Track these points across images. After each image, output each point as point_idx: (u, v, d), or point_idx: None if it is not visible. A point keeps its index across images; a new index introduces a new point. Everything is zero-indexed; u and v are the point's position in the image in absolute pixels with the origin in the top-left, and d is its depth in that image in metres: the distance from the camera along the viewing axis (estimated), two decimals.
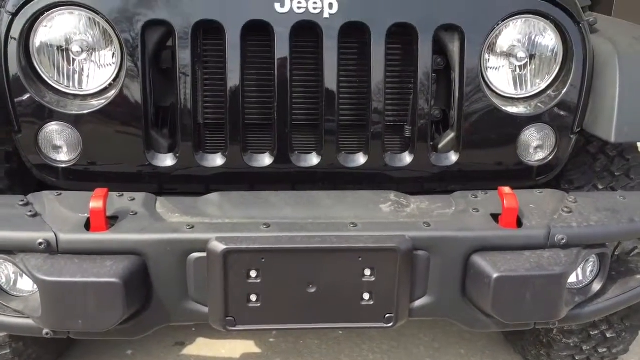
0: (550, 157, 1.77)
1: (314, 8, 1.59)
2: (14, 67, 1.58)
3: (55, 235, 1.41)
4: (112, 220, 1.47)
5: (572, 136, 1.76)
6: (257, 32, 1.61)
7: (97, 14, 1.59)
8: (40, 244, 1.40)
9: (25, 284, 1.51)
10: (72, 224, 1.44)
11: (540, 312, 1.49)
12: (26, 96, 1.60)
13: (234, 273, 1.43)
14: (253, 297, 1.46)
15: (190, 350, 2.46)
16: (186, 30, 1.58)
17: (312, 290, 1.46)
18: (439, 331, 2.61)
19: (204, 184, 1.71)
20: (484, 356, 2.48)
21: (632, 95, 1.67)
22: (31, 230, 1.42)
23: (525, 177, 1.78)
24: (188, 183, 1.71)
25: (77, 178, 1.67)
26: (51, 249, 1.40)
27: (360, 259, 1.44)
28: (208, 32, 1.63)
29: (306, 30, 1.61)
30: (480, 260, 1.47)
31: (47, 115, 1.61)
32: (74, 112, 1.61)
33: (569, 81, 1.71)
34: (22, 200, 1.51)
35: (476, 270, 1.47)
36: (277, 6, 1.59)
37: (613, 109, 1.67)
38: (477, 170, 1.76)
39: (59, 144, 1.64)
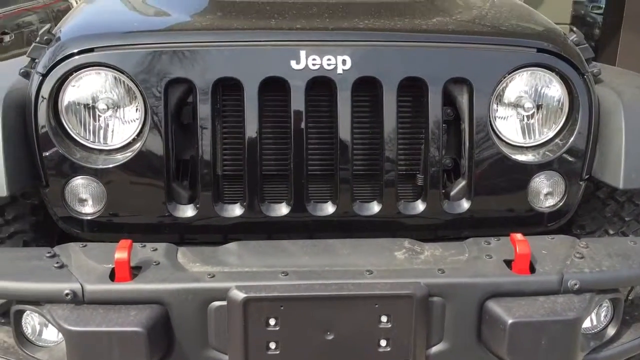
0: (561, 204, 1.80)
1: (328, 64, 1.67)
2: (43, 125, 1.66)
3: (82, 285, 1.46)
4: (135, 271, 1.51)
5: (581, 183, 1.81)
6: (274, 87, 1.69)
7: (123, 73, 1.67)
8: (67, 294, 1.44)
9: (50, 334, 1.55)
10: (97, 275, 1.49)
11: (555, 358, 1.50)
12: (54, 152, 1.67)
13: (254, 321, 1.46)
14: (272, 345, 1.49)
15: None
16: (206, 87, 1.66)
17: (330, 337, 1.49)
18: None
19: (223, 233, 1.76)
20: None
21: (638, 144, 1.72)
22: (58, 281, 1.47)
23: (536, 223, 1.81)
24: (207, 233, 1.76)
25: (101, 229, 1.73)
26: (77, 299, 1.45)
27: (376, 306, 1.47)
28: (227, 87, 1.70)
29: (321, 85, 1.69)
30: (494, 306, 1.50)
31: (74, 169, 1.68)
32: (99, 167, 1.68)
33: (576, 130, 1.76)
34: (49, 252, 1.57)
35: (491, 316, 1.50)
36: (293, 63, 1.67)
37: (620, 157, 1.72)
38: (489, 217, 1.80)
39: (85, 197, 1.71)
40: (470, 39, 1.75)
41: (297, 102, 1.67)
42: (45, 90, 1.66)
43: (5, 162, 1.59)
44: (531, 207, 1.79)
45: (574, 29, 1.93)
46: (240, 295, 1.45)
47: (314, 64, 1.67)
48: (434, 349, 1.55)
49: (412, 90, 1.73)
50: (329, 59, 1.67)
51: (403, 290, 1.47)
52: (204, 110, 1.67)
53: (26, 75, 1.78)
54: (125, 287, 1.47)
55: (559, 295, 1.52)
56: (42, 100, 1.66)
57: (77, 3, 7.05)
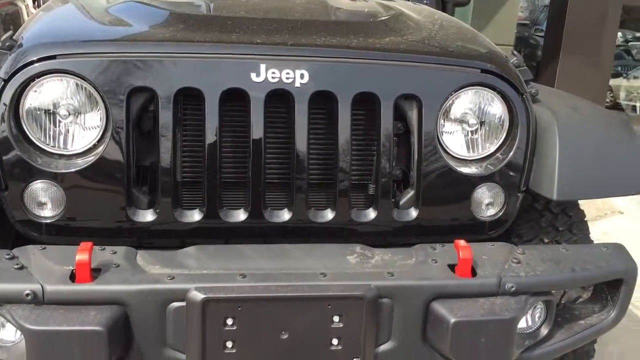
0: (500, 213, 1.93)
1: (287, 78, 1.76)
2: (3, 130, 1.68)
3: (42, 286, 1.49)
4: (95, 272, 1.55)
5: (519, 194, 1.94)
6: (234, 98, 1.76)
7: (85, 80, 1.71)
8: (27, 294, 1.47)
9: (8, 334, 1.57)
10: (57, 276, 1.53)
11: (493, 355, 1.62)
12: (14, 156, 1.69)
13: (211, 321, 1.53)
14: (229, 344, 1.55)
15: None
16: (168, 96, 1.72)
17: (285, 337, 1.57)
18: None
19: (181, 238, 1.81)
20: None
21: (571, 159, 1.87)
22: (18, 282, 1.50)
23: (478, 231, 1.94)
24: (166, 237, 1.81)
25: (60, 233, 1.76)
26: (37, 299, 1.48)
27: (329, 307, 1.56)
28: (188, 97, 1.76)
29: (279, 97, 1.77)
30: (439, 307, 1.60)
31: (33, 173, 1.71)
32: (59, 171, 1.71)
33: (515, 145, 1.90)
34: (8, 254, 1.59)
35: (436, 316, 1.61)
36: (253, 76, 1.75)
37: (554, 171, 1.86)
38: (435, 225, 1.91)
39: (44, 200, 1.73)
40: (420, 58, 1.87)
41: (257, 113, 1.75)
42: (7, 96, 1.68)
43: None
44: (474, 216, 1.92)
45: (515, 52, 2.08)
46: (199, 296, 1.51)
47: (273, 77, 1.75)
48: (382, 348, 1.64)
49: (365, 104, 1.83)
50: (287, 73, 1.76)
51: (354, 292, 1.56)
52: (166, 118, 1.73)
53: None
54: (86, 288, 1.51)
55: (498, 297, 1.64)
56: (3, 106, 1.69)
57: (25, 8, 6.97)
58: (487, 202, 1.92)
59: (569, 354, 2.03)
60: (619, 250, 1.85)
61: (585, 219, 2.22)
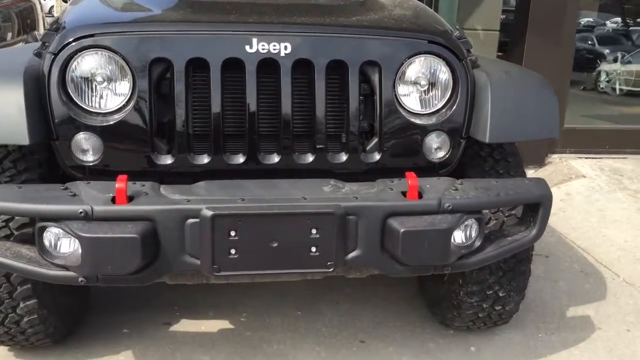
0: (447, 156, 2.42)
1: (274, 49, 2.24)
2: (54, 93, 2.17)
3: (91, 207, 1.98)
4: (130, 198, 2.05)
5: (461, 140, 2.43)
6: (232, 67, 2.25)
7: (116, 53, 2.20)
8: (81, 212, 1.97)
9: (64, 247, 2.06)
10: (102, 200, 2.02)
11: (434, 257, 2.12)
12: (63, 114, 2.18)
13: (219, 232, 2.02)
14: (232, 251, 2.05)
15: (176, 327, 2.99)
16: (181, 65, 2.21)
17: (275, 245, 2.06)
18: (381, 310, 3.20)
19: (193, 177, 2.30)
20: (415, 326, 3.08)
21: (499, 110, 2.35)
22: (73, 204, 1.99)
23: (429, 171, 2.42)
24: (181, 177, 2.30)
25: (99, 174, 2.25)
26: (88, 216, 1.98)
27: (308, 221, 2.05)
28: (197, 66, 2.25)
29: (268, 65, 2.25)
30: (392, 222, 2.10)
31: (78, 127, 2.20)
32: (97, 125, 2.21)
33: (457, 101, 2.38)
34: (62, 186, 2.09)
35: (390, 229, 2.10)
36: (247, 48, 2.23)
37: (487, 119, 2.34)
38: (395, 166, 2.39)
39: (86, 148, 2.23)
40: (380, 32, 2.35)
41: (251, 78, 2.24)
42: (56, 67, 2.17)
43: (27, 118, 2.10)
44: (426, 159, 2.41)
45: (457, 27, 2.57)
46: (209, 213, 2.00)
47: (263, 49, 2.24)
48: (350, 255, 2.14)
49: (337, 70, 2.32)
50: (274, 45, 2.24)
51: (327, 210, 2.06)
52: (179, 82, 2.21)
53: (39, 55, 2.29)
54: (124, 208, 2.00)
55: (438, 215, 2.14)
56: (54, 74, 2.17)
57: (39, 3, 7.42)
58: (436, 147, 2.40)
59: (509, 274, 2.54)
60: (539, 181, 2.34)
61: (522, 164, 2.71)
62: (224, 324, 3.04)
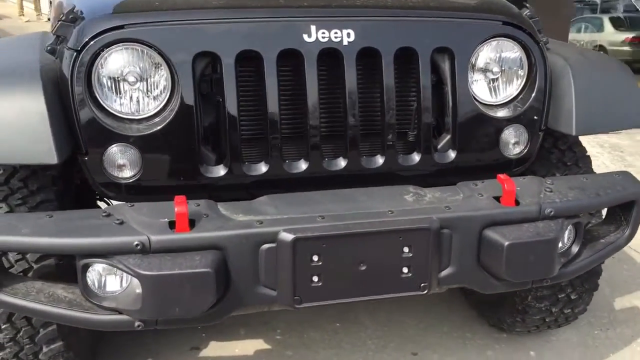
0: (525, 151, 2.17)
1: (335, 37, 1.92)
2: (81, 98, 1.79)
3: (148, 237, 1.63)
4: (190, 222, 1.70)
5: (540, 133, 2.18)
6: (287, 59, 1.91)
7: (152, 48, 1.83)
8: (137, 245, 1.62)
9: (113, 285, 1.71)
10: (158, 228, 1.67)
11: (540, 271, 1.87)
12: (92, 123, 1.81)
13: (300, 258, 1.71)
14: (315, 278, 1.74)
15: (206, 352, 2.66)
16: (231, 59, 1.86)
17: (363, 268, 1.76)
18: (423, 315, 2.96)
19: (247, 190, 1.97)
20: (464, 331, 2.86)
21: (584, 99, 2.11)
22: (125, 235, 1.64)
23: (506, 168, 2.17)
24: (233, 190, 1.96)
25: (137, 192, 1.89)
26: (145, 249, 1.63)
27: (400, 239, 1.77)
28: (244, 59, 1.90)
29: (328, 56, 1.93)
30: (491, 234, 1.83)
31: (111, 138, 1.83)
32: (135, 134, 1.84)
33: (535, 89, 2.12)
34: (104, 213, 1.72)
35: (489, 241, 1.83)
36: (305, 37, 1.90)
37: (572, 110, 2.10)
38: (469, 165, 2.13)
39: (122, 162, 1.86)
40: (452, 14, 2.06)
41: (310, 71, 1.91)
42: (80, 66, 1.79)
43: (53, 132, 1.72)
44: (502, 155, 2.15)
45: (527, 4, 2.30)
46: (289, 236, 1.69)
47: (323, 37, 1.91)
48: (444, 273, 1.87)
49: (401, 59, 2.01)
50: (335, 32, 1.92)
51: (421, 225, 1.77)
52: (229, 80, 1.86)
53: (53, 52, 1.89)
54: (187, 236, 1.66)
55: (538, 221, 1.88)
56: (78, 75, 1.79)
57: None
58: (514, 142, 2.15)
59: (584, 274, 2.32)
60: (627, 176, 2.12)
61: (588, 154, 2.49)
62: (259, 344, 2.73)
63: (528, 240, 1.82)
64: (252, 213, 1.79)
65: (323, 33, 1.91)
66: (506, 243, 1.80)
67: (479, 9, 2.14)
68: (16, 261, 1.86)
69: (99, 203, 2.38)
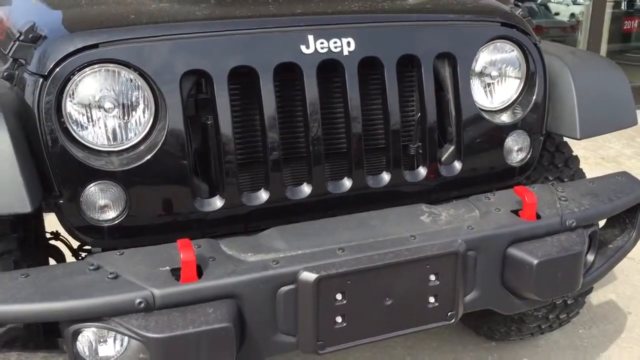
0: (528, 157, 2.06)
1: (335, 47, 1.74)
2: (50, 131, 1.52)
3: (151, 292, 1.40)
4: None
5: (541, 138, 2.09)
6: (283, 73, 1.71)
7: (132, 67, 1.58)
8: (140, 302, 1.38)
9: (107, 350, 1.46)
10: (160, 279, 1.44)
11: (567, 287, 1.77)
12: (64, 158, 1.54)
13: (323, 298, 1.52)
14: (339, 319, 1.56)
15: None
16: (222, 77, 1.63)
17: (389, 303, 1.60)
18: None
19: (245, 222, 1.76)
20: (454, 344, 2.76)
21: (585, 101, 2.03)
22: (123, 292, 1.39)
23: (509, 177, 2.06)
24: (230, 224, 1.74)
25: (124, 235, 1.63)
26: (149, 306, 1.39)
27: (427, 267, 1.61)
28: (237, 76, 1.68)
29: (328, 67, 1.75)
30: (517, 252, 1.71)
31: (90, 175, 1.57)
32: (117, 169, 1.58)
33: (535, 92, 2.02)
34: (92, 265, 1.47)
35: (514, 260, 1.71)
36: (302, 48, 1.71)
37: (574, 113, 2.02)
38: (474, 176, 2.00)
39: (104, 202, 1.60)
40: (452, 17, 1.92)
41: (310, 85, 1.72)
42: (49, 94, 1.51)
43: (23, 175, 1.44)
44: (506, 163, 2.03)
45: (519, 4, 2.20)
46: (312, 276, 1.50)
47: (322, 48, 1.72)
48: (468, 297, 1.73)
49: (402, 67, 1.86)
50: (335, 42, 1.73)
51: (449, 249, 1.62)
52: (221, 100, 1.64)
53: (10, 77, 1.61)
54: (197, 287, 1.44)
55: (560, 234, 1.78)
56: (47, 105, 1.52)
57: None
58: (517, 148, 2.04)
59: None
60: (629, 177, 2.07)
61: (575, 154, 2.43)
62: None
63: (557, 256, 1.71)
64: (262, 251, 1.59)
65: (322, 43, 1.72)
66: (535, 261, 1.68)
67: (477, 11, 2.01)
68: None
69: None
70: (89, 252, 2.08)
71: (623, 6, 9.12)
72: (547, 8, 9.88)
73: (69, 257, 2.06)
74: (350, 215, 1.78)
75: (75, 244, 1.99)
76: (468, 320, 2.80)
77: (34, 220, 1.84)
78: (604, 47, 7.45)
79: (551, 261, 1.70)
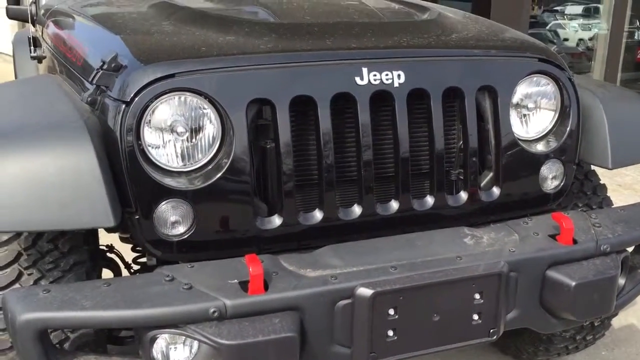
0: (561, 185, 2.18)
1: (387, 79, 1.87)
2: (130, 152, 1.66)
3: (224, 302, 1.52)
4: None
5: (574, 166, 2.21)
6: (338, 102, 1.85)
7: (201, 95, 1.72)
8: (214, 312, 1.50)
9: (177, 355, 1.58)
10: (231, 291, 1.56)
11: (602, 309, 1.88)
12: (142, 177, 1.68)
13: (378, 313, 1.64)
14: (390, 333, 1.68)
15: None
16: (285, 105, 1.77)
17: (437, 319, 1.72)
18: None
19: (299, 240, 1.87)
20: None
21: (617, 133, 2.16)
22: (199, 301, 1.52)
23: (544, 203, 2.17)
24: (285, 241, 1.86)
25: (190, 249, 1.76)
26: (222, 315, 1.51)
27: (473, 285, 1.73)
28: (296, 104, 1.82)
29: (379, 97, 1.88)
30: (555, 274, 1.83)
31: (162, 193, 1.70)
32: (187, 189, 1.72)
33: (569, 123, 2.14)
34: (167, 276, 1.59)
35: (553, 282, 1.83)
36: (357, 79, 1.84)
37: (606, 143, 2.14)
38: (511, 201, 2.12)
39: (174, 219, 1.73)
40: (494, 52, 2.06)
41: (363, 114, 1.85)
42: (131, 118, 1.66)
43: (107, 191, 1.58)
44: (541, 190, 2.15)
45: (555, 41, 2.33)
46: (368, 292, 1.62)
47: (375, 79, 1.86)
48: (509, 316, 1.84)
49: (448, 98, 1.99)
50: (386, 74, 1.87)
51: (494, 270, 1.74)
52: (283, 126, 1.78)
53: (93, 102, 1.75)
54: (264, 298, 1.56)
55: (595, 258, 1.90)
56: (128, 128, 1.66)
57: None
58: (552, 176, 2.16)
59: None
60: None
61: (603, 182, 2.55)
62: None
63: (593, 279, 1.82)
64: (320, 267, 1.71)
65: (374, 75, 1.86)
66: (574, 283, 1.80)
67: (516, 47, 2.14)
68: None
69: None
70: (143, 265, 2.23)
71: (637, 36, 9.29)
72: (557, 34, 10.02)
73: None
74: (398, 235, 1.89)
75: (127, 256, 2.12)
76: (503, 340, 2.89)
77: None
78: (618, 76, 7.61)
79: (588, 284, 1.82)
